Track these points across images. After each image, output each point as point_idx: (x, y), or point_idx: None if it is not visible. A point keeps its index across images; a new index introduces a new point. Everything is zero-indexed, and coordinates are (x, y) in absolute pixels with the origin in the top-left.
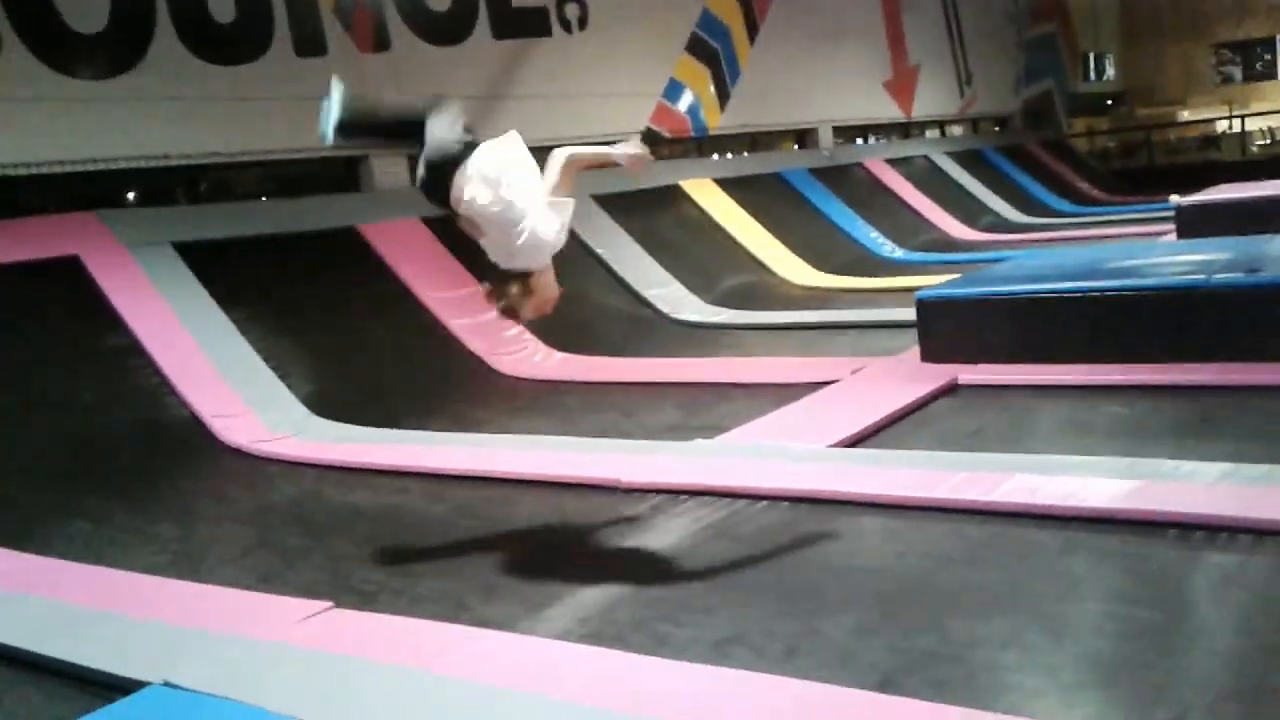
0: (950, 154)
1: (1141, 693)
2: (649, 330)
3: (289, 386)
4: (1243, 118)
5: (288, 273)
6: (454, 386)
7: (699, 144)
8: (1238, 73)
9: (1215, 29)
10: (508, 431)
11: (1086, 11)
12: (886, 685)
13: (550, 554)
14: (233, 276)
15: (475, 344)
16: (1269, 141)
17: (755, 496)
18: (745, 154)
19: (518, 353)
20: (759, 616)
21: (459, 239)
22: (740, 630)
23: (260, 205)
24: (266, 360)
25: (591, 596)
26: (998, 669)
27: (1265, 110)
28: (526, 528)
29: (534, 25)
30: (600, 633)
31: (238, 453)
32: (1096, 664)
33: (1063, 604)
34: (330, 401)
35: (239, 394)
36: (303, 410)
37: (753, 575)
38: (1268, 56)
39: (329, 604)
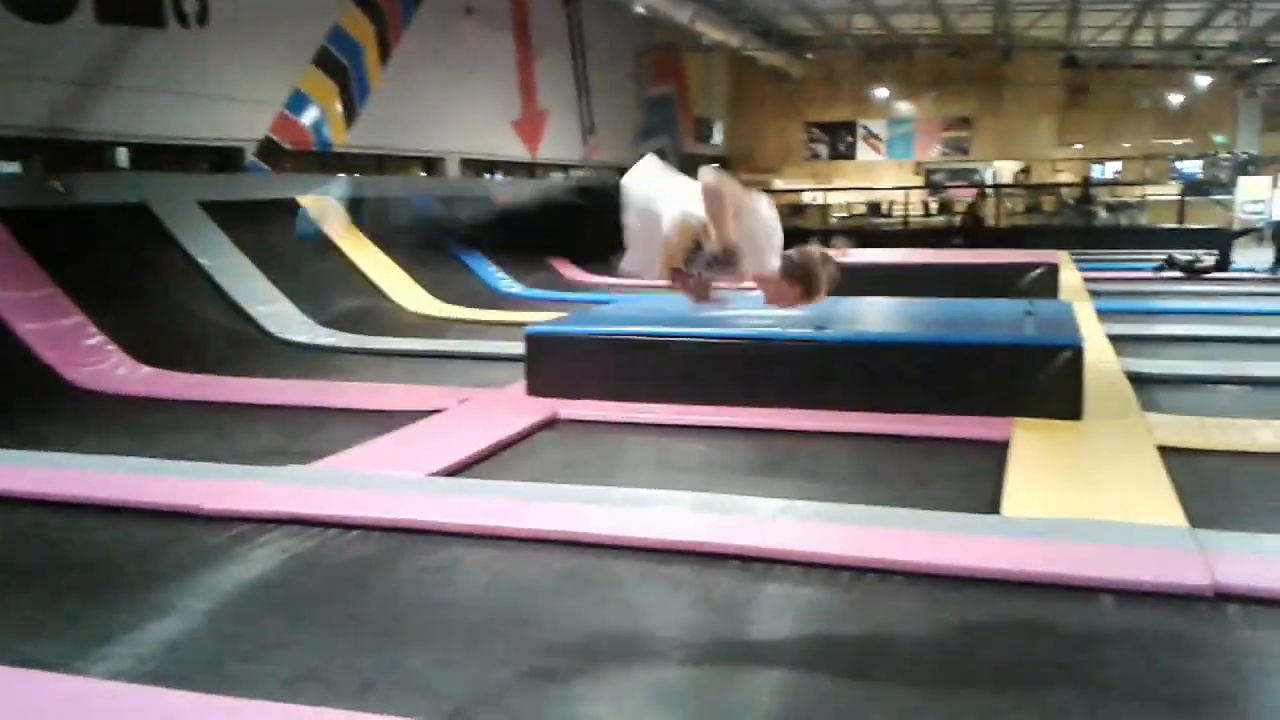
0: None
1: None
2: (252, 349)
3: None
4: (825, 190)
5: None
6: (18, 399)
7: (322, 161)
8: (825, 150)
9: (807, 109)
10: (77, 450)
11: (701, 79)
12: (456, 716)
13: (114, 587)
14: None
15: (48, 354)
16: (847, 215)
17: (347, 526)
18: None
19: (97, 365)
20: (340, 650)
21: (30, 233)
22: (316, 665)
23: None
24: None
25: (157, 633)
26: (569, 700)
27: (844, 186)
28: (88, 558)
29: (145, 13)
30: (161, 672)
31: None
32: (665, 692)
33: (636, 632)
34: None
35: None
36: None
37: (338, 608)
38: (849, 138)
39: None
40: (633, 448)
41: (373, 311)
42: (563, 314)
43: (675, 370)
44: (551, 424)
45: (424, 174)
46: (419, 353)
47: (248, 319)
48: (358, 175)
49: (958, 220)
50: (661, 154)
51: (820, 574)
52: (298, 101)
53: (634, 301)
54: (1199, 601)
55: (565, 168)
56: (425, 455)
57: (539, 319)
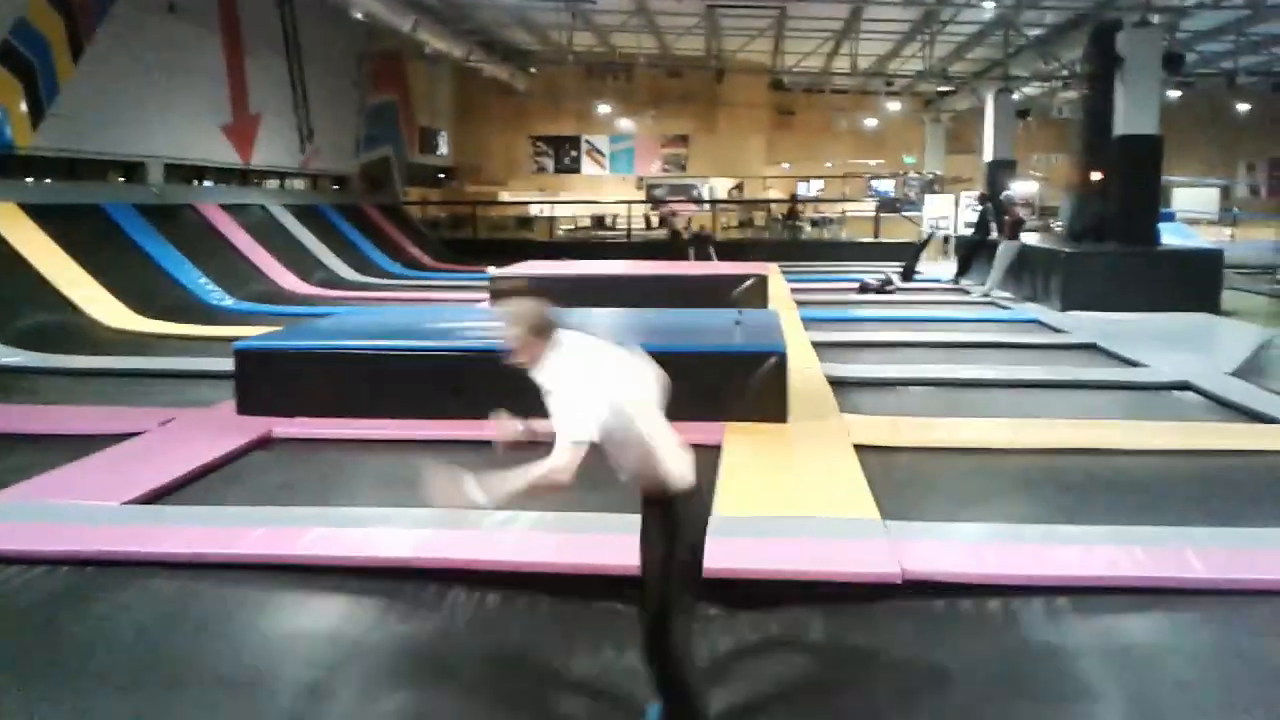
0: (288, 206)
1: None
2: None
3: None
4: (552, 203)
5: None
6: None
7: (4, 164)
8: (550, 163)
9: (533, 123)
10: None
11: (425, 89)
12: None
13: None
14: None
15: None
16: (574, 227)
17: (30, 562)
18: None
19: None
20: (28, 700)
21: None
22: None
23: None
24: None
25: None
26: None
27: (570, 199)
28: None
29: None
30: None
31: None
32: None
33: (330, 658)
34: None
35: None
36: None
37: (26, 654)
38: (574, 152)
39: None
40: (354, 465)
41: (64, 327)
42: (278, 328)
43: (398, 383)
44: (265, 444)
45: (123, 179)
46: (118, 371)
47: None
48: (48, 180)
49: (683, 235)
50: (385, 164)
51: (539, 582)
52: None
53: (353, 314)
54: (889, 588)
55: (281, 175)
56: (120, 482)
57: (252, 333)
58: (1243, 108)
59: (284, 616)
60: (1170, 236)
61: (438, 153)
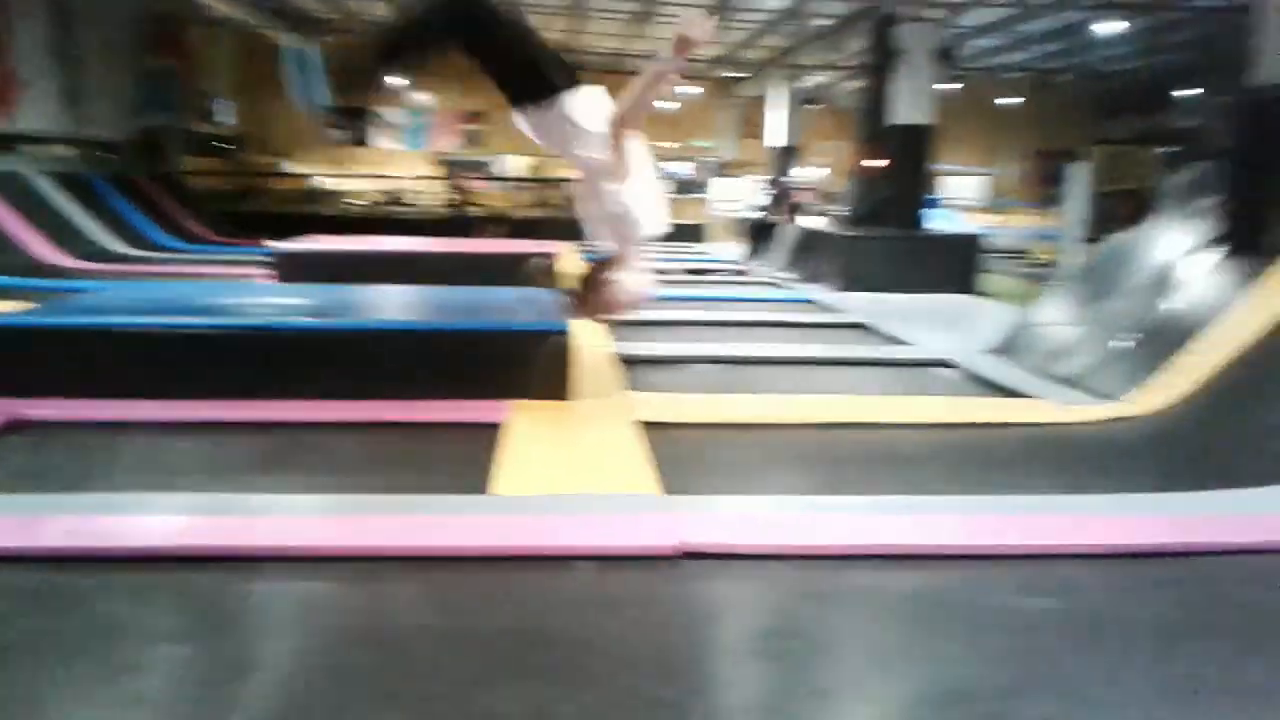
0: (50, 175)
1: None
2: None
3: None
4: (342, 177)
5: None
6: None
7: None
8: (339, 135)
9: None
10: None
11: (207, 56)
12: None
13: None
14: None
15: None
16: (366, 204)
17: None
18: None
19: None
20: None
21: None
22: None
23: None
24: None
25: None
26: None
27: (363, 174)
28: None
29: None
30: None
31: None
32: (144, 703)
33: (99, 649)
34: None
35: None
36: None
37: None
38: (366, 126)
39: None
40: (114, 450)
41: None
42: (34, 304)
43: (166, 362)
44: (15, 427)
45: None
46: None
47: None
48: None
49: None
50: (164, 131)
51: (317, 566)
52: None
53: (120, 290)
54: (667, 560)
55: (44, 140)
56: None
57: (5, 310)
58: (1013, 101)
59: (33, 609)
60: (939, 222)
61: (220, 122)
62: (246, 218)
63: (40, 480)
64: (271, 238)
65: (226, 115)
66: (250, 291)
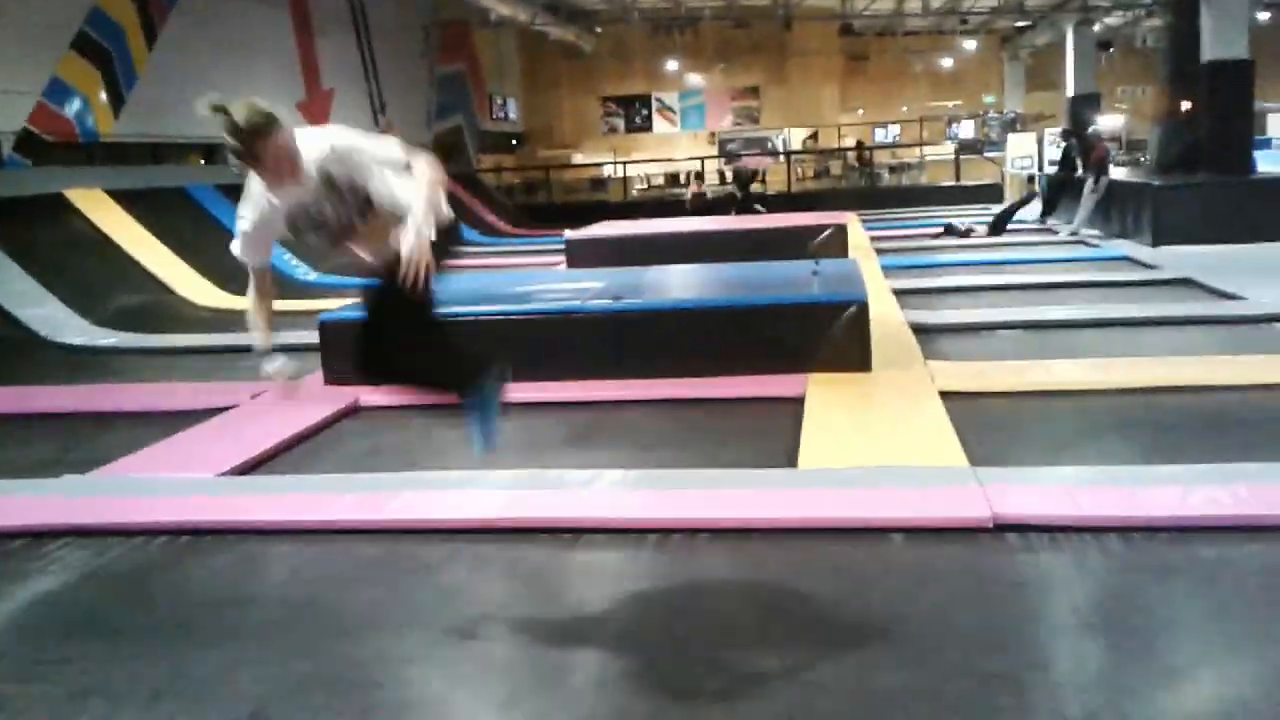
0: None
1: (539, 689)
2: (21, 354)
3: None
4: (625, 164)
5: None
6: None
7: (89, 152)
8: (621, 124)
9: (602, 83)
10: None
11: (493, 56)
12: (254, 718)
13: None
14: None
15: None
16: (646, 187)
17: (129, 533)
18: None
19: None
20: (124, 662)
21: None
22: (100, 680)
23: None
24: None
25: None
26: (394, 684)
27: (643, 159)
28: None
29: None
30: None
31: None
32: (485, 666)
33: (446, 612)
34: None
35: None
36: None
37: (123, 619)
38: (645, 111)
39: None
40: (438, 430)
41: (156, 307)
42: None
43: (485, 347)
44: (354, 412)
45: (204, 162)
46: (208, 348)
47: (15, 323)
48: (131, 166)
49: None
50: (458, 132)
51: (629, 539)
52: (57, 90)
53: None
54: (980, 533)
55: None
56: (215, 454)
57: (335, 306)
58: None
59: (381, 578)
60: (1269, 165)
61: (508, 119)
62: (539, 209)
63: (374, 459)
64: (564, 227)
65: (513, 112)
66: (547, 279)
